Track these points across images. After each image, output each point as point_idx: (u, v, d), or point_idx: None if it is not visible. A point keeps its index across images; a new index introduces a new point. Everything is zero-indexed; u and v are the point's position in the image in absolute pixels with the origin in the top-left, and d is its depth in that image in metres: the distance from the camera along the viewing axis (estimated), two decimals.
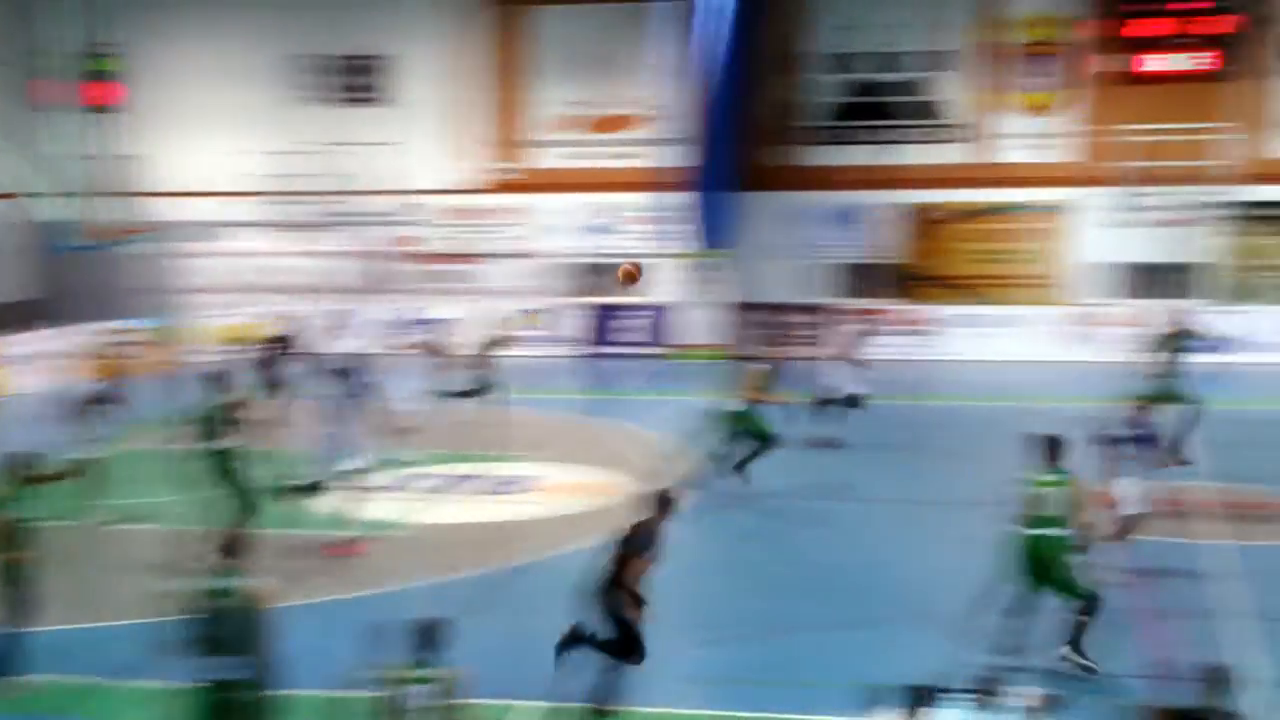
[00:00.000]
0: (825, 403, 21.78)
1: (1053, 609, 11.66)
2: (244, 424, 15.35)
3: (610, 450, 21.87)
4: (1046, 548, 11.50)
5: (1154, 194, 31.69)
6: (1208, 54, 32.19)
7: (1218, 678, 8.30)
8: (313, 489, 15.84)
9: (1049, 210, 33.01)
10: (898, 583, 14.65)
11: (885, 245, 33.80)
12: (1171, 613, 11.64)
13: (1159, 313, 29.41)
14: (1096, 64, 32.80)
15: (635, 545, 10.54)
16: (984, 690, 9.08)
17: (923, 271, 33.56)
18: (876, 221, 33.84)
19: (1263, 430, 19.34)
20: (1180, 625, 11.67)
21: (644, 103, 34.74)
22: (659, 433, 23.04)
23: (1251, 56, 31.98)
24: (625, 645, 10.49)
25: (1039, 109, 33.31)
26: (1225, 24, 32.01)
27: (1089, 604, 11.49)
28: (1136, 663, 11.60)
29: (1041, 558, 11.52)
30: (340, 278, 34.62)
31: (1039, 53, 33.25)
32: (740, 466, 18.61)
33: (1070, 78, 33.08)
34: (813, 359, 23.02)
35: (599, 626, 10.54)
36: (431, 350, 23.47)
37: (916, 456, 21.25)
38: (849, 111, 34.30)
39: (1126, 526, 13.45)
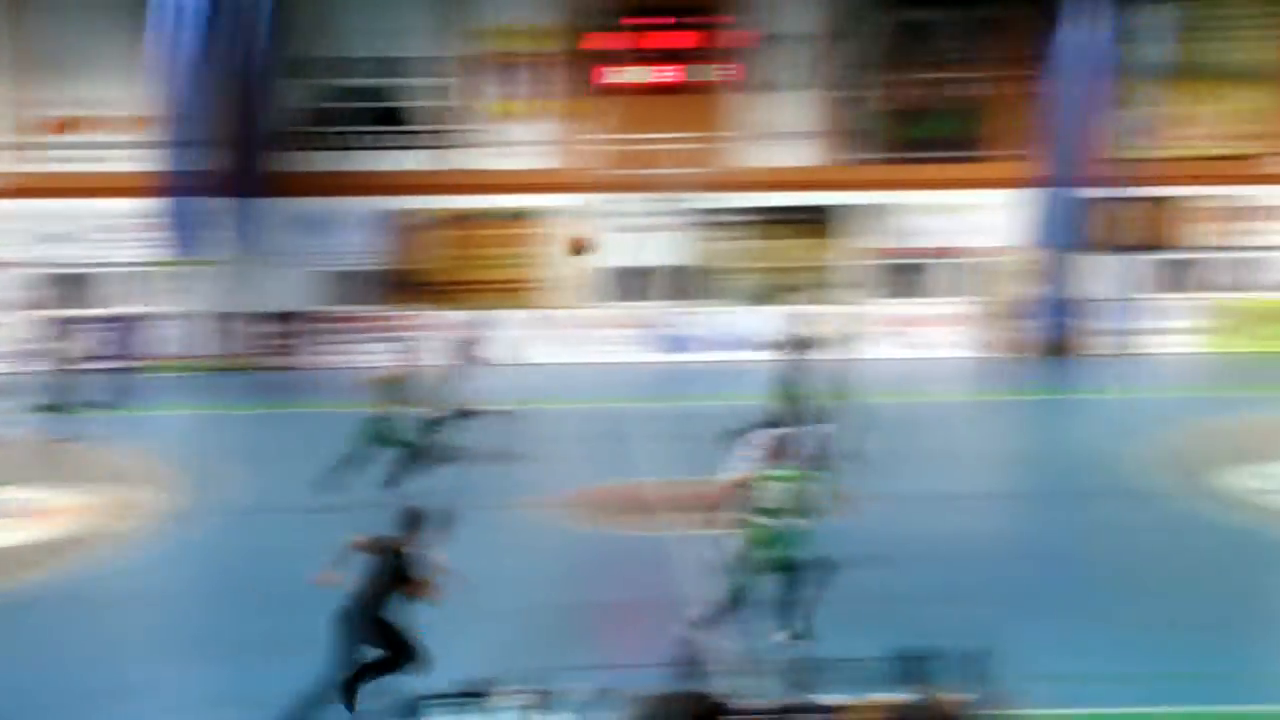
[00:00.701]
0: (464, 412, 21.99)
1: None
2: None
3: (76, 469, 20.53)
4: (765, 538, 12.19)
5: (629, 200, 32.97)
6: (670, 68, 33.80)
7: (693, 662, 8.58)
8: None
9: (531, 216, 33.66)
10: None
11: (373, 251, 33.48)
12: (644, 602, 12.02)
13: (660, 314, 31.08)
14: (568, 75, 33.73)
15: (397, 570, 10.43)
16: (474, 693, 9.01)
17: (411, 278, 33.46)
18: (363, 228, 33.48)
19: (717, 424, 20.18)
20: (656, 613, 12.09)
21: (113, 104, 32.84)
22: (128, 449, 21.90)
23: (713, 71, 33.80)
24: (400, 657, 10.34)
25: (516, 117, 33.92)
26: (686, 40, 33.69)
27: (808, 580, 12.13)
28: (619, 652, 11.83)
29: (760, 547, 12.21)
30: None
31: (515, 62, 33.85)
32: (390, 479, 18.12)
33: (545, 88, 33.86)
34: (438, 367, 22.68)
35: (364, 653, 10.32)
36: None
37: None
38: (331, 116, 33.76)
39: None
